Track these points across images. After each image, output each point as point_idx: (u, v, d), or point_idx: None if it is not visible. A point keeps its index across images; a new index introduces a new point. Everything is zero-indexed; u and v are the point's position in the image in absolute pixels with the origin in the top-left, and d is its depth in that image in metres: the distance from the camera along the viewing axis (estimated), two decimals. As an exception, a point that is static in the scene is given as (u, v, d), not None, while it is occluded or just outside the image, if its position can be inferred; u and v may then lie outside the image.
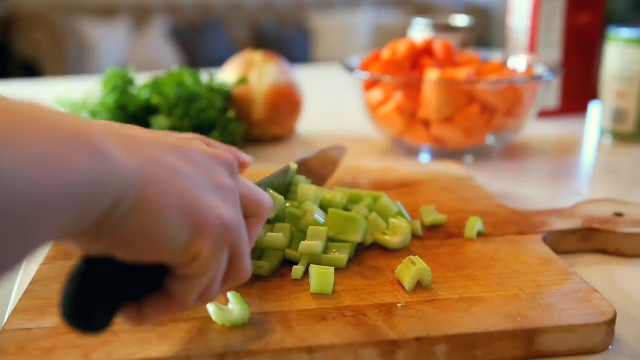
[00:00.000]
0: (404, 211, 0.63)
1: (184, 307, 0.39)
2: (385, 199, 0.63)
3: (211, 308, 0.46)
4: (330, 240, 0.56)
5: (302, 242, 0.54)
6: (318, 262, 0.53)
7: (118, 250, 0.34)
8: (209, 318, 0.46)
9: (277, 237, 0.55)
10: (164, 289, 0.39)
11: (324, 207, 0.60)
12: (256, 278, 0.52)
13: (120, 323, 0.39)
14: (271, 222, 0.58)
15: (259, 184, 0.56)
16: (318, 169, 0.70)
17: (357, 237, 0.56)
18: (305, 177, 0.65)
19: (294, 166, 0.62)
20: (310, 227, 0.56)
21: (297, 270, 0.53)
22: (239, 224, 0.40)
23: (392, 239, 0.58)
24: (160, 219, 0.34)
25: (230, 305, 0.47)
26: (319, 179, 0.70)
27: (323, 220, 0.57)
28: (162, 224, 0.34)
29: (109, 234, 0.33)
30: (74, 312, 0.34)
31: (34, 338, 0.44)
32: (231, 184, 0.40)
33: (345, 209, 0.62)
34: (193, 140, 0.42)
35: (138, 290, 0.38)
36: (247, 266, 0.42)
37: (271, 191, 0.57)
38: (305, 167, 0.66)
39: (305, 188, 0.60)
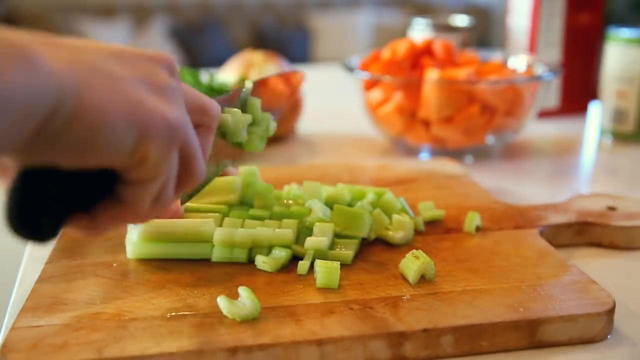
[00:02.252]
0: (407, 207, 0.64)
1: (138, 214, 0.39)
2: (389, 195, 0.63)
3: (222, 302, 0.47)
4: (335, 236, 0.57)
5: (309, 238, 0.55)
6: (325, 258, 0.54)
7: (61, 159, 0.34)
8: (220, 313, 0.47)
9: (286, 233, 0.55)
10: (116, 196, 0.38)
11: (329, 203, 0.61)
12: (261, 273, 0.53)
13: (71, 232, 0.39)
14: (277, 218, 0.59)
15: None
16: (275, 90, 0.68)
17: (362, 233, 0.57)
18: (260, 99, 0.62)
19: (249, 84, 0.59)
20: (316, 223, 0.56)
21: (303, 266, 0.53)
22: (185, 123, 0.39)
23: (396, 234, 0.58)
24: (102, 124, 0.33)
25: (241, 300, 0.47)
26: (276, 100, 0.66)
27: (328, 217, 0.58)
28: (104, 130, 0.34)
29: (50, 143, 0.33)
30: (20, 222, 0.33)
31: (45, 335, 0.44)
32: (173, 83, 0.39)
33: (349, 205, 0.63)
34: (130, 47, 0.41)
35: (88, 199, 0.37)
36: (200, 168, 0.41)
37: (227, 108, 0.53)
38: (263, 86, 0.63)
39: (311, 185, 0.61)
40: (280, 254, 0.54)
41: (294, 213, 0.58)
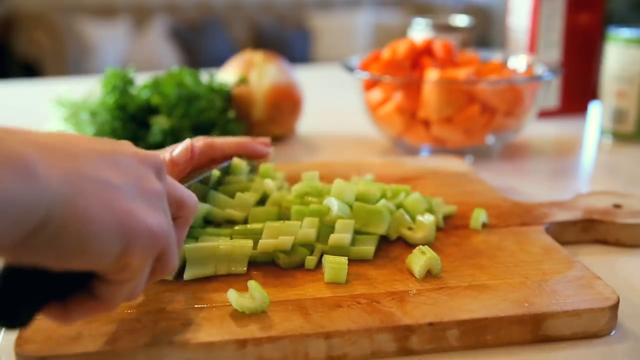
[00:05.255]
0: (437, 207, 0.64)
1: (111, 308, 0.40)
2: (416, 195, 0.64)
3: (232, 296, 0.47)
4: (355, 232, 0.58)
5: (332, 235, 0.56)
6: (347, 254, 0.55)
7: (47, 262, 0.35)
8: (230, 306, 0.48)
9: (310, 232, 0.56)
10: (90, 290, 0.39)
11: (357, 200, 0.61)
12: (270, 267, 0.54)
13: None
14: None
15: (189, 184, 0.58)
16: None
17: (381, 230, 0.58)
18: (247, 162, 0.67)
19: (215, 174, 0.64)
20: (338, 220, 0.57)
21: (311, 261, 0.54)
22: (167, 230, 0.40)
23: (415, 235, 0.59)
24: (91, 234, 0.34)
25: (250, 293, 0.48)
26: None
27: (347, 214, 0.58)
28: (92, 239, 0.35)
29: (38, 249, 0.33)
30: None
31: (59, 327, 0.45)
32: (159, 188, 0.41)
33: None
34: (122, 143, 0.42)
35: (63, 290, 0.38)
36: (173, 263, 0.43)
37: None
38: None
39: (341, 183, 0.61)
40: (302, 252, 0.55)
41: (313, 211, 0.59)
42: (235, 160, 0.66)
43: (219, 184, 0.65)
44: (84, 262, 0.36)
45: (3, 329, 0.36)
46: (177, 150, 0.60)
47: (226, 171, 0.66)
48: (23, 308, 0.36)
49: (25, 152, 0.32)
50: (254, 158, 0.69)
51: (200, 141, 0.64)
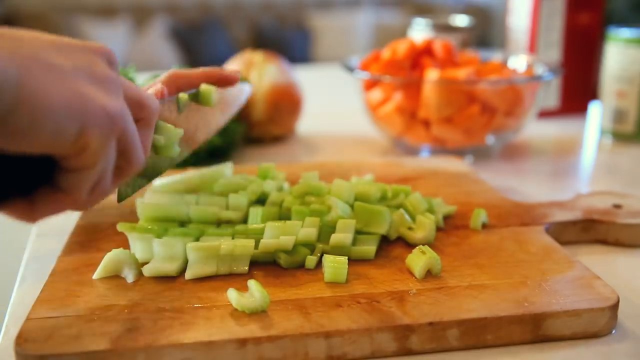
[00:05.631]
0: (438, 207, 0.65)
1: (76, 201, 0.40)
2: (417, 195, 0.64)
3: (232, 295, 0.48)
4: (356, 232, 0.58)
5: (333, 235, 0.56)
6: (348, 254, 0.55)
7: (3, 144, 0.35)
8: (230, 305, 0.48)
9: (311, 232, 0.56)
10: (55, 183, 0.39)
11: (356, 200, 0.61)
12: (270, 267, 0.54)
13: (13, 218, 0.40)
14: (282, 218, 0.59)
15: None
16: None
17: (382, 229, 0.58)
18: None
19: (184, 97, 0.60)
20: (339, 220, 0.57)
21: (311, 261, 0.54)
22: (123, 113, 0.40)
23: (416, 235, 0.59)
24: (43, 111, 0.35)
25: (250, 293, 0.48)
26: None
27: (348, 214, 0.58)
28: (45, 117, 0.35)
29: None
30: None
31: (60, 326, 0.45)
32: (112, 74, 0.41)
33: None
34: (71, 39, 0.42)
35: (27, 185, 0.38)
36: (138, 157, 0.43)
37: (160, 122, 0.54)
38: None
39: (341, 183, 0.61)
40: (303, 252, 0.55)
41: (314, 211, 0.59)
42: (204, 86, 0.62)
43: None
44: (40, 142, 0.35)
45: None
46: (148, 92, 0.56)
47: (195, 97, 0.62)
48: None
49: None
50: (223, 85, 0.66)
51: (165, 73, 0.62)
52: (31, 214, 0.39)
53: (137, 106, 0.44)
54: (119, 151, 0.42)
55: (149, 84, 0.59)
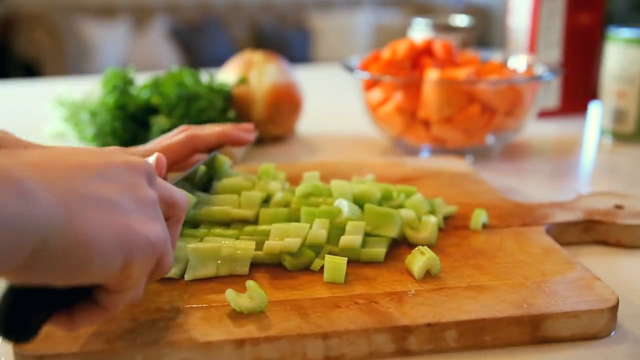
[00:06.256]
0: (440, 209, 0.65)
1: (113, 315, 0.41)
2: (419, 196, 0.64)
3: (230, 296, 0.47)
4: (365, 235, 0.57)
5: (343, 237, 0.55)
6: (357, 257, 0.55)
7: (52, 281, 0.35)
8: (228, 305, 0.48)
9: (321, 233, 0.55)
10: (94, 299, 0.40)
11: (357, 201, 0.61)
12: (269, 267, 0.54)
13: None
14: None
15: (176, 182, 0.58)
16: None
17: (392, 233, 0.57)
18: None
19: (222, 158, 0.64)
20: (349, 222, 0.57)
21: (317, 264, 0.54)
22: (165, 238, 0.42)
23: (419, 235, 0.59)
24: (92, 254, 0.35)
25: (248, 293, 0.48)
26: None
27: (357, 216, 0.58)
28: (93, 258, 0.35)
29: (40, 272, 0.34)
30: (8, 329, 0.36)
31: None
32: (152, 195, 0.42)
33: (379, 203, 0.63)
34: (112, 153, 0.43)
35: (68, 299, 0.40)
36: (169, 263, 0.44)
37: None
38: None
39: (339, 183, 0.61)
40: (309, 254, 0.55)
41: (324, 212, 0.58)
42: (219, 157, 0.66)
43: (205, 189, 0.65)
44: (87, 279, 0.36)
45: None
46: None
47: (211, 166, 0.65)
48: (30, 323, 0.37)
49: (22, 175, 0.33)
50: (237, 145, 0.69)
51: (183, 133, 0.64)
52: (71, 326, 0.41)
53: (170, 206, 0.46)
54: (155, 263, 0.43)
55: (169, 135, 0.62)
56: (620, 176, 0.90)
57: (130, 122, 0.90)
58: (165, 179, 0.58)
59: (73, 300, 0.40)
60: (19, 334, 0.36)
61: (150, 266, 0.41)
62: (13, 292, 0.36)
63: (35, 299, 0.37)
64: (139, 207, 0.40)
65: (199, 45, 4.11)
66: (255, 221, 0.60)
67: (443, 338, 0.46)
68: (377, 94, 0.93)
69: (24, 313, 0.37)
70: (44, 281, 0.35)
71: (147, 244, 0.39)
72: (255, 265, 0.54)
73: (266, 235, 0.56)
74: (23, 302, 0.36)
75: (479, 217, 0.63)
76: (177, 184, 0.58)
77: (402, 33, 1.72)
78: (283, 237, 0.55)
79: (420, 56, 0.95)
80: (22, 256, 0.32)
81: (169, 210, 0.46)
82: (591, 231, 0.65)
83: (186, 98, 0.89)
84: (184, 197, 0.48)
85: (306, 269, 0.54)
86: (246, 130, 0.70)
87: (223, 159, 0.66)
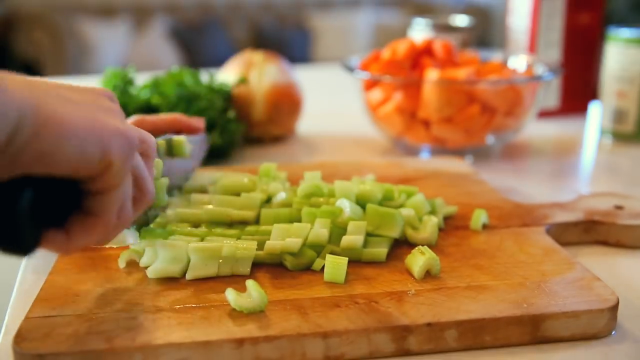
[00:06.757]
0: (441, 209, 0.65)
1: (107, 224, 0.43)
2: (420, 196, 0.64)
3: (230, 295, 0.47)
4: (367, 235, 0.57)
5: (344, 237, 0.55)
6: (359, 257, 0.55)
7: (32, 167, 0.38)
8: (228, 305, 0.48)
9: (322, 233, 0.55)
10: (85, 209, 0.42)
11: (359, 201, 0.61)
12: (269, 267, 0.54)
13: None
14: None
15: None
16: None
17: (394, 233, 0.57)
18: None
19: (162, 143, 0.61)
20: (350, 222, 0.57)
21: (319, 264, 0.54)
22: (135, 136, 0.44)
23: (419, 235, 0.59)
24: (66, 134, 0.38)
25: (248, 293, 0.48)
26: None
27: (359, 216, 0.58)
28: (69, 139, 0.38)
29: (20, 153, 0.36)
30: (3, 236, 0.38)
31: (57, 324, 0.46)
32: (117, 108, 0.46)
33: (380, 203, 0.63)
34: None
35: (59, 215, 0.42)
36: (150, 188, 0.48)
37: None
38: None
39: (343, 184, 0.61)
40: (310, 254, 0.55)
41: (325, 212, 0.58)
42: (175, 137, 0.63)
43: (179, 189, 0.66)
44: (68, 163, 0.38)
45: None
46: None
47: (168, 146, 0.62)
48: (27, 231, 0.38)
49: None
50: (188, 133, 0.68)
51: (131, 118, 0.65)
52: (67, 245, 0.42)
53: (139, 140, 0.47)
54: (133, 183, 0.46)
55: None
56: (620, 176, 0.90)
57: (130, 122, 0.90)
58: None
59: (65, 214, 0.42)
60: (17, 243, 0.38)
61: (129, 165, 0.43)
62: (4, 202, 0.38)
63: (28, 207, 0.38)
64: (106, 111, 0.43)
65: (199, 45, 4.11)
66: (256, 221, 0.60)
67: (443, 338, 0.46)
68: (377, 94, 0.93)
69: (19, 221, 0.38)
70: (28, 169, 0.37)
71: (120, 133, 0.42)
72: (257, 265, 0.54)
73: (268, 235, 0.57)
74: (16, 210, 0.38)
75: (479, 217, 0.63)
76: None
77: (402, 33, 1.72)
78: (284, 237, 0.55)
79: (420, 56, 0.95)
80: (1, 137, 0.35)
81: (139, 144, 0.47)
82: (591, 231, 0.65)
83: (186, 98, 0.89)
84: (150, 135, 0.49)
85: (307, 268, 0.54)
86: (197, 121, 0.71)
87: (181, 140, 0.63)
